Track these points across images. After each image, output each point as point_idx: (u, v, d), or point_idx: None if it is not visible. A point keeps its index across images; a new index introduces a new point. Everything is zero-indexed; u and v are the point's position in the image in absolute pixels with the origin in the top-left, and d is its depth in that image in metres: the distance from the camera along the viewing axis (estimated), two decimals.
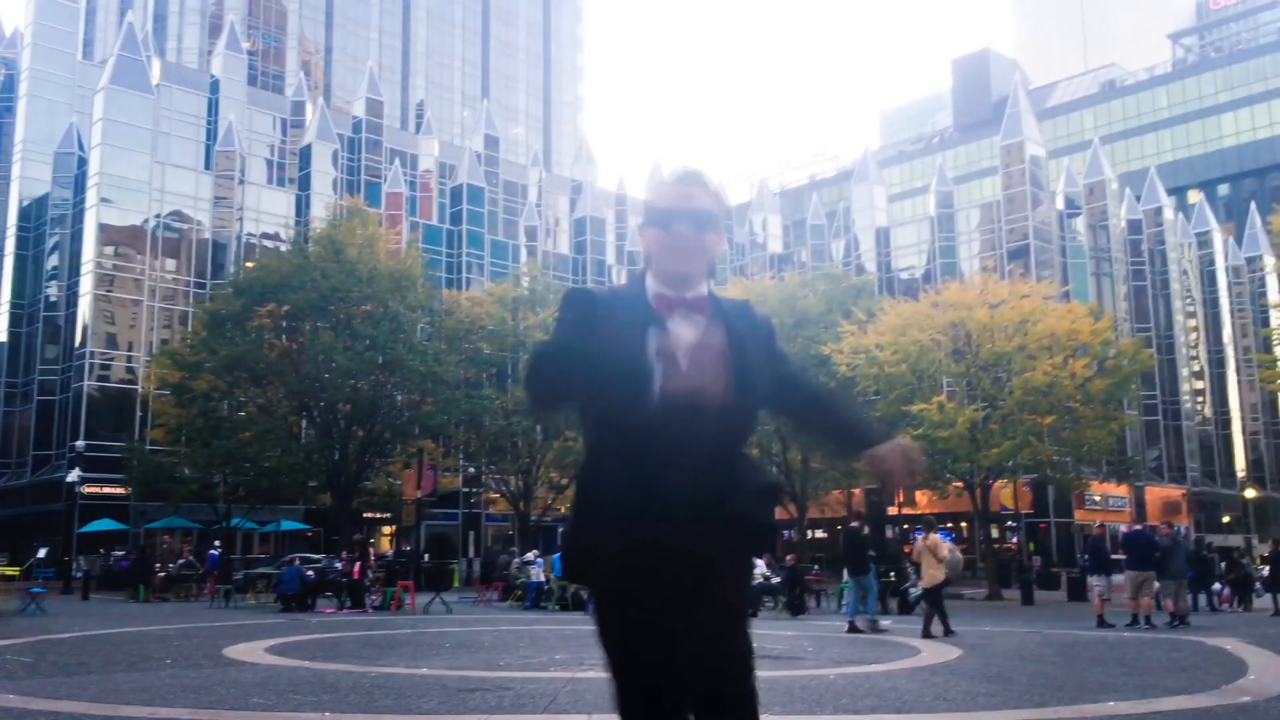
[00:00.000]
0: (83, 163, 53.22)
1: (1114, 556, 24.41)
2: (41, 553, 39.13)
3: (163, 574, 33.67)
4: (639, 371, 2.50)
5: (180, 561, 35.36)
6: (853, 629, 17.58)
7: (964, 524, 50.76)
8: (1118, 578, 22.89)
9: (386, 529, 55.60)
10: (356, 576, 26.55)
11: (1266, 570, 27.15)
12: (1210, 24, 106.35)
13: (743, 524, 2.57)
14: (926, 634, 16.37)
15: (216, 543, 39.14)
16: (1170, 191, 69.94)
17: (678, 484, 2.46)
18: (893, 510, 54.12)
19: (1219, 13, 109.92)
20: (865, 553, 18.79)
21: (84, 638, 15.39)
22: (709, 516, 2.49)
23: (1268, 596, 26.12)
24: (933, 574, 17.52)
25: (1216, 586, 28.92)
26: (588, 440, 2.65)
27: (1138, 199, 64.06)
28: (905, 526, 50.77)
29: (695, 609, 2.51)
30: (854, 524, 20.44)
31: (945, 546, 18.44)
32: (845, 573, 19.62)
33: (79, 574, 36.67)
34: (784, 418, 2.97)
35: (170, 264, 53.41)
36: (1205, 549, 32.59)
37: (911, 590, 24.98)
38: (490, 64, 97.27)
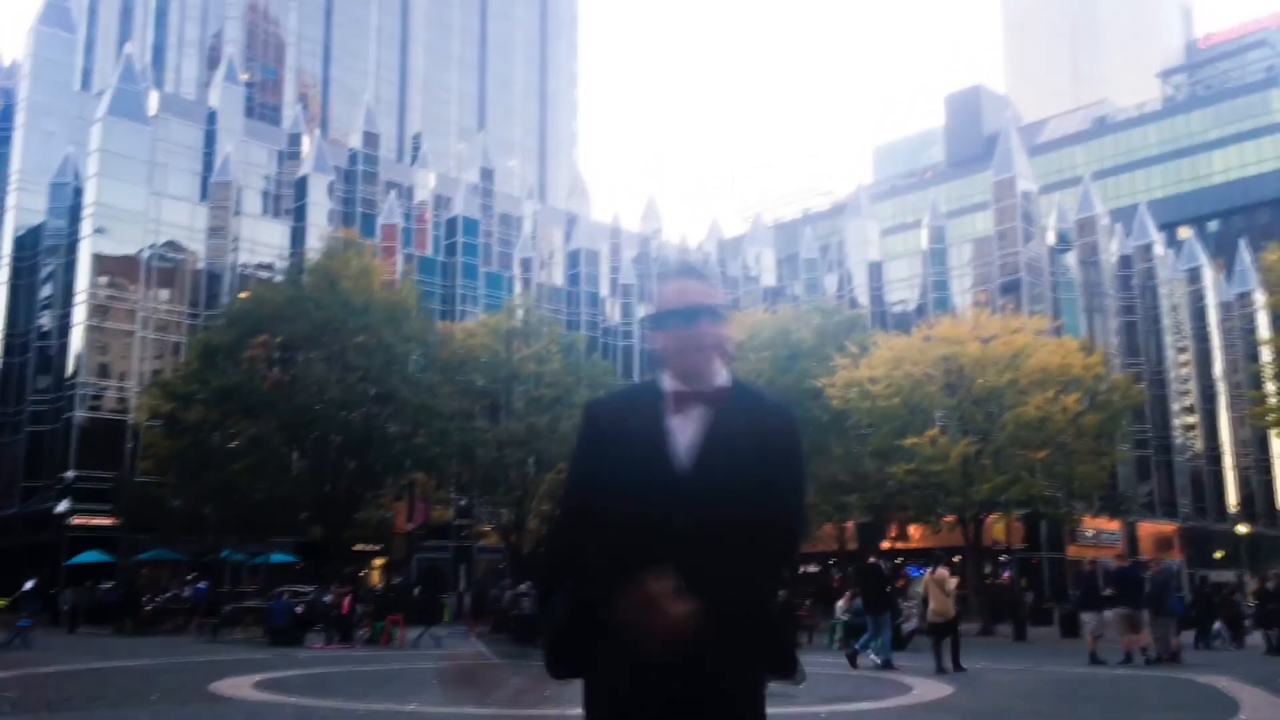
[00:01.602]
0: (78, 193, 53.28)
1: (1105, 592, 24.36)
2: (29, 585, 38.81)
3: (150, 607, 33.41)
4: (658, 448, 2.56)
5: (168, 594, 35.08)
6: (887, 665, 17.52)
7: (956, 558, 50.60)
8: (1110, 614, 22.84)
9: (377, 561, 55.26)
10: (346, 611, 26.39)
11: (1255, 606, 27.09)
12: (1199, 62, 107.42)
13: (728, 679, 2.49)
14: (959, 667, 16.46)
15: (191, 575, 38.92)
16: (1161, 227, 70.35)
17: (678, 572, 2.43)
18: (884, 545, 54.00)
19: (1208, 51, 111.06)
20: (884, 590, 18.80)
21: (69, 672, 15.26)
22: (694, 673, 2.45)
23: (1258, 633, 26.02)
24: (940, 608, 17.54)
25: (1217, 626, 28.75)
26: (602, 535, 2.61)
27: (1128, 235, 64.43)
28: (898, 561, 50.63)
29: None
30: (872, 560, 20.43)
31: (953, 582, 18.46)
32: (837, 609, 19.53)
33: (65, 606, 36.37)
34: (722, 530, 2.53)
35: (164, 294, 53.37)
36: (1205, 586, 32.36)
37: (904, 626, 24.91)
38: (486, 97, 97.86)
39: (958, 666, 16.61)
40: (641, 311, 71.62)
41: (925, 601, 18.03)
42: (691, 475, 2.54)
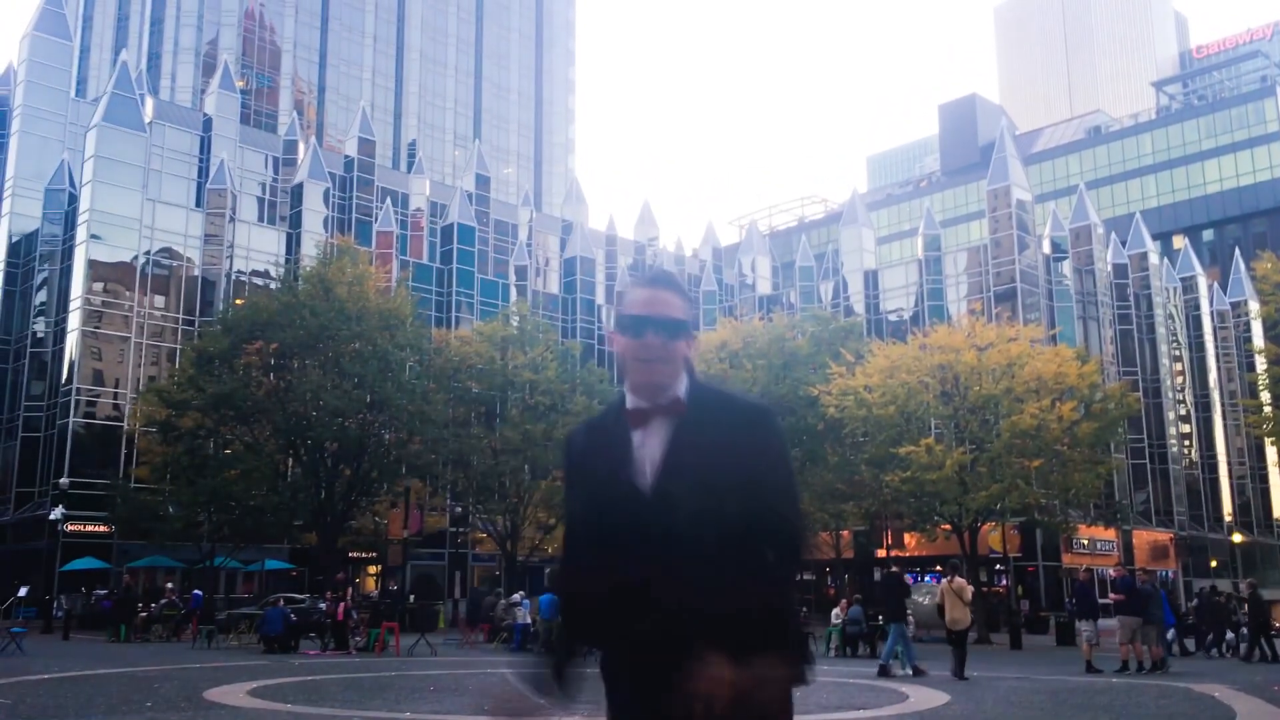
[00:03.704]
0: (73, 199, 53.24)
1: (1102, 601, 24.36)
2: (23, 591, 38.69)
3: (144, 614, 33.29)
4: (622, 469, 2.53)
5: (163, 601, 34.96)
6: (918, 672, 17.59)
7: (938, 567, 50.57)
8: (1105, 623, 22.84)
9: (372, 569, 55.16)
10: (340, 618, 26.31)
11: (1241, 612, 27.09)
12: (1194, 72, 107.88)
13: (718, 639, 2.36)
14: (964, 675, 16.60)
15: (169, 585, 38.77)
16: (1155, 236, 70.55)
17: (656, 592, 2.41)
18: (880, 553, 54.00)
19: (1202, 61, 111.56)
20: (903, 599, 18.88)
21: (63, 679, 15.20)
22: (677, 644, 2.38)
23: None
24: (957, 616, 17.61)
25: (1230, 636, 28.69)
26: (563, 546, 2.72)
27: (1123, 244, 64.58)
28: (893, 569, 50.58)
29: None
30: (893, 569, 20.52)
31: (970, 591, 18.57)
32: (833, 616, 19.51)
33: (59, 613, 36.21)
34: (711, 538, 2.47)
35: (159, 301, 53.30)
36: (1215, 594, 32.24)
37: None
38: (482, 105, 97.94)
39: (963, 675, 16.68)
40: None
41: (941, 610, 18.13)
42: (655, 491, 2.47)
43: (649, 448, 2.53)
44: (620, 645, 2.49)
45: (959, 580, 18.19)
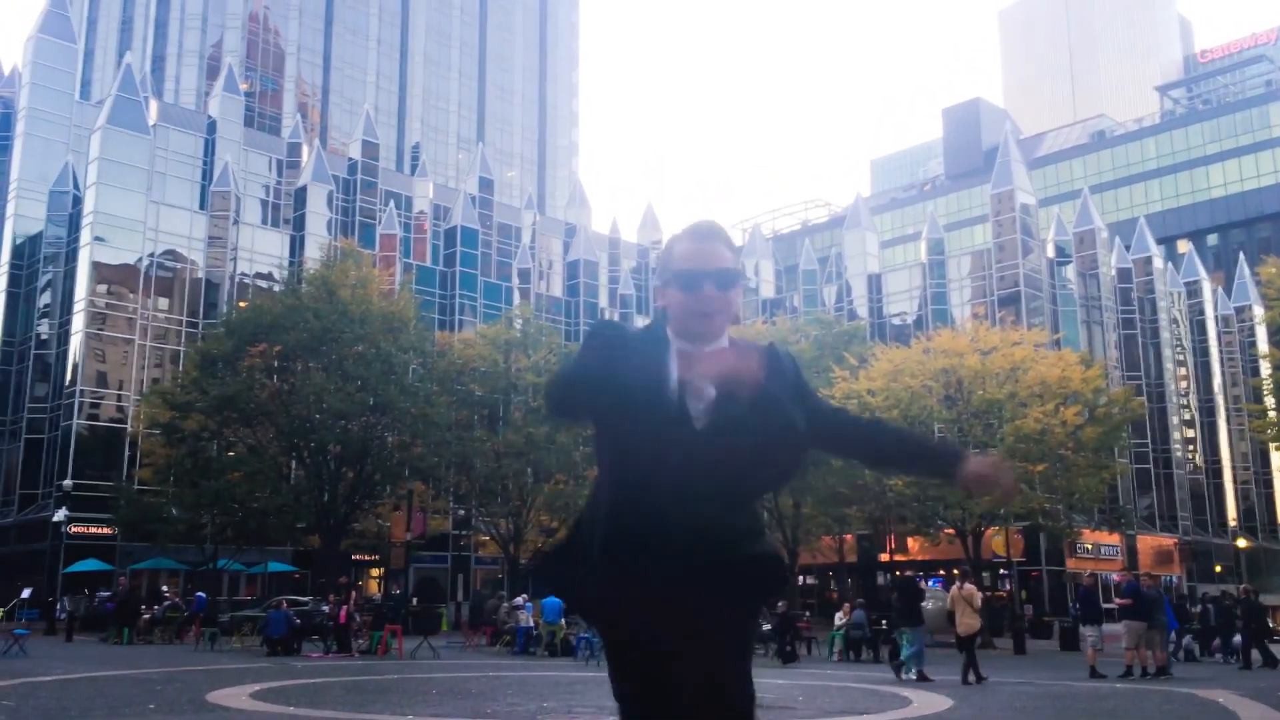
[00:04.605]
0: (77, 201, 53.30)
1: (1106, 606, 24.28)
2: (26, 593, 38.71)
3: (147, 616, 33.28)
4: (675, 402, 2.51)
5: (166, 604, 34.94)
6: (922, 678, 17.60)
7: (955, 571, 50.50)
8: (1109, 628, 22.77)
9: (375, 571, 55.15)
10: (343, 620, 26.29)
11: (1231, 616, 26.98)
12: (1198, 77, 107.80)
13: (754, 567, 2.58)
14: (966, 680, 16.64)
15: (165, 588, 38.78)
16: (1159, 241, 70.45)
17: (696, 522, 2.48)
18: (884, 557, 53.93)
19: (1206, 66, 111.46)
20: (919, 604, 18.93)
21: (66, 681, 15.19)
22: (721, 560, 2.51)
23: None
24: (968, 622, 17.68)
25: (1237, 639, 28.58)
26: (605, 467, 2.65)
27: (1127, 248, 64.51)
28: (897, 574, 50.52)
29: (699, 657, 2.51)
30: (908, 574, 20.61)
31: (979, 596, 18.63)
32: (836, 620, 19.47)
33: (62, 615, 36.20)
34: (841, 453, 3.08)
35: (163, 303, 53.35)
36: (1226, 599, 32.10)
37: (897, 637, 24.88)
38: (486, 108, 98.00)
39: (965, 680, 16.70)
40: (641, 322, 71.51)
41: (951, 615, 18.20)
42: (708, 437, 2.51)
43: (703, 389, 2.55)
44: (652, 572, 2.48)
45: (969, 586, 18.27)
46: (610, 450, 2.62)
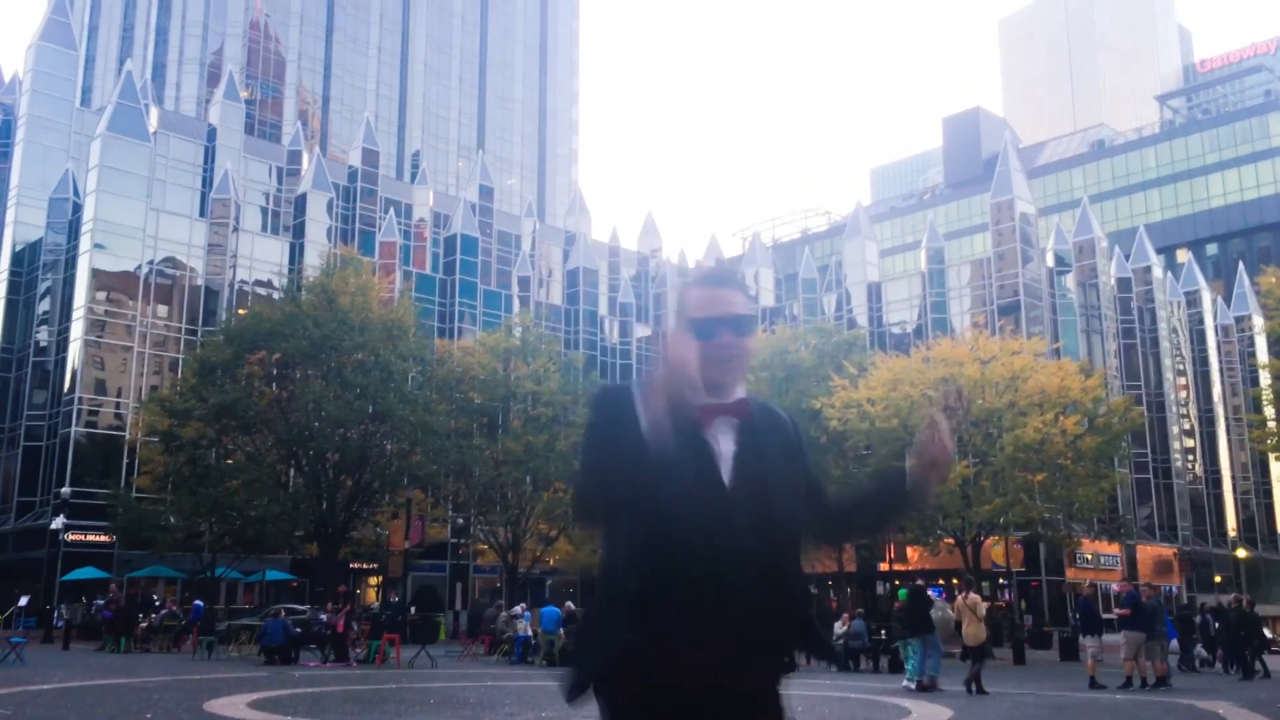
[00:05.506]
0: (77, 208, 53.30)
1: (1106, 616, 24.21)
2: (23, 601, 38.64)
3: (144, 624, 33.20)
4: (704, 462, 2.47)
5: (164, 612, 34.86)
6: (921, 687, 17.61)
7: (955, 580, 50.48)
8: (1109, 638, 22.71)
9: (373, 580, 55.03)
10: (341, 629, 26.23)
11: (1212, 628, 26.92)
12: (1197, 86, 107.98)
13: (799, 636, 2.59)
14: (970, 690, 16.66)
15: (156, 598, 38.64)
16: (1159, 250, 70.50)
17: (741, 591, 2.41)
18: (883, 566, 53.86)
19: (1206, 75, 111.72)
20: (927, 612, 18.95)
21: (63, 690, 15.13)
22: (764, 639, 2.48)
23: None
24: (973, 631, 17.69)
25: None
26: (627, 537, 2.48)
27: (1127, 257, 64.56)
28: (895, 583, 50.45)
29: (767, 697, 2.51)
30: (918, 583, 20.69)
31: (984, 606, 18.67)
32: (835, 630, 19.43)
33: (59, 623, 36.10)
34: (829, 540, 2.99)
35: (162, 310, 53.31)
36: (1233, 608, 31.98)
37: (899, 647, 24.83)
38: (486, 116, 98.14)
39: (971, 690, 16.74)
40: (640, 331, 71.60)
41: (958, 625, 18.23)
42: (738, 490, 2.49)
43: (722, 445, 2.53)
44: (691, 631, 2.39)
45: (973, 596, 18.33)
46: (632, 521, 2.46)
